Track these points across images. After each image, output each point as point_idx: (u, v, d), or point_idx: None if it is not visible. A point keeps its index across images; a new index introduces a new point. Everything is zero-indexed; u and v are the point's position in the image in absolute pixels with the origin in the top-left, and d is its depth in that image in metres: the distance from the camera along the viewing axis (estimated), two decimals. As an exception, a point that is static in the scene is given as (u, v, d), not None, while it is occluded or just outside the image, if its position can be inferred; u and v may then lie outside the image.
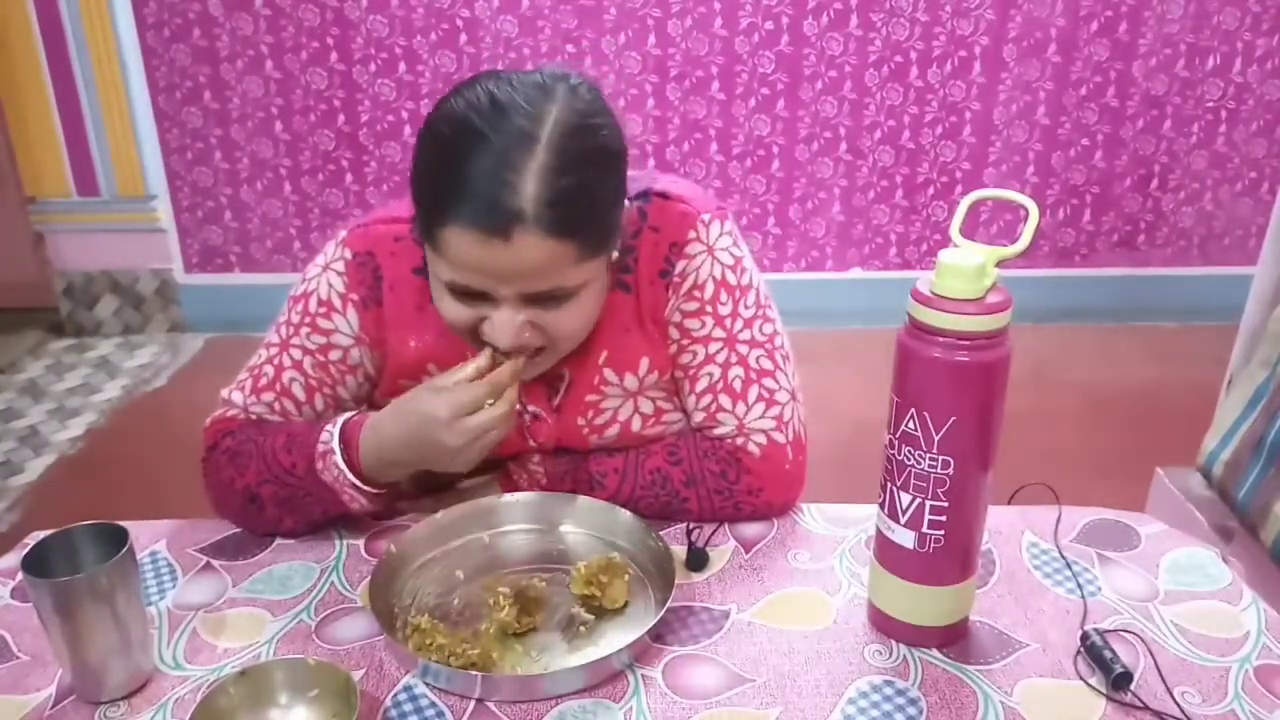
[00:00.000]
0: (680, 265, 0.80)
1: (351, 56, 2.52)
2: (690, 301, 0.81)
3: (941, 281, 0.59)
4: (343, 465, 0.74)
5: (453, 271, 0.70)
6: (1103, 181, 2.65)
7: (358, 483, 0.75)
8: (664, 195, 0.81)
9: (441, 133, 0.69)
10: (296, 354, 0.81)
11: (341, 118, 2.58)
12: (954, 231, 0.63)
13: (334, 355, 0.81)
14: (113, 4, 2.44)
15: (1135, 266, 2.73)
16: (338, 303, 0.80)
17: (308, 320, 0.81)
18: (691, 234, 0.80)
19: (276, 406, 0.81)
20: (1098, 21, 2.49)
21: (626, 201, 0.76)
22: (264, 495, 0.77)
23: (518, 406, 0.80)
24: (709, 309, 0.80)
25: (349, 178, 2.64)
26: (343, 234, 0.83)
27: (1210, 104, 2.56)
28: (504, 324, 0.71)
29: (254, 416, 0.81)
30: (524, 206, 0.65)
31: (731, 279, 0.81)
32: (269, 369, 0.81)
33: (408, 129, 2.59)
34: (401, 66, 2.53)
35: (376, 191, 2.64)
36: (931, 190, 2.66)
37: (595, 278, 0.73)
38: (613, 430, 0.83)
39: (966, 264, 0.58)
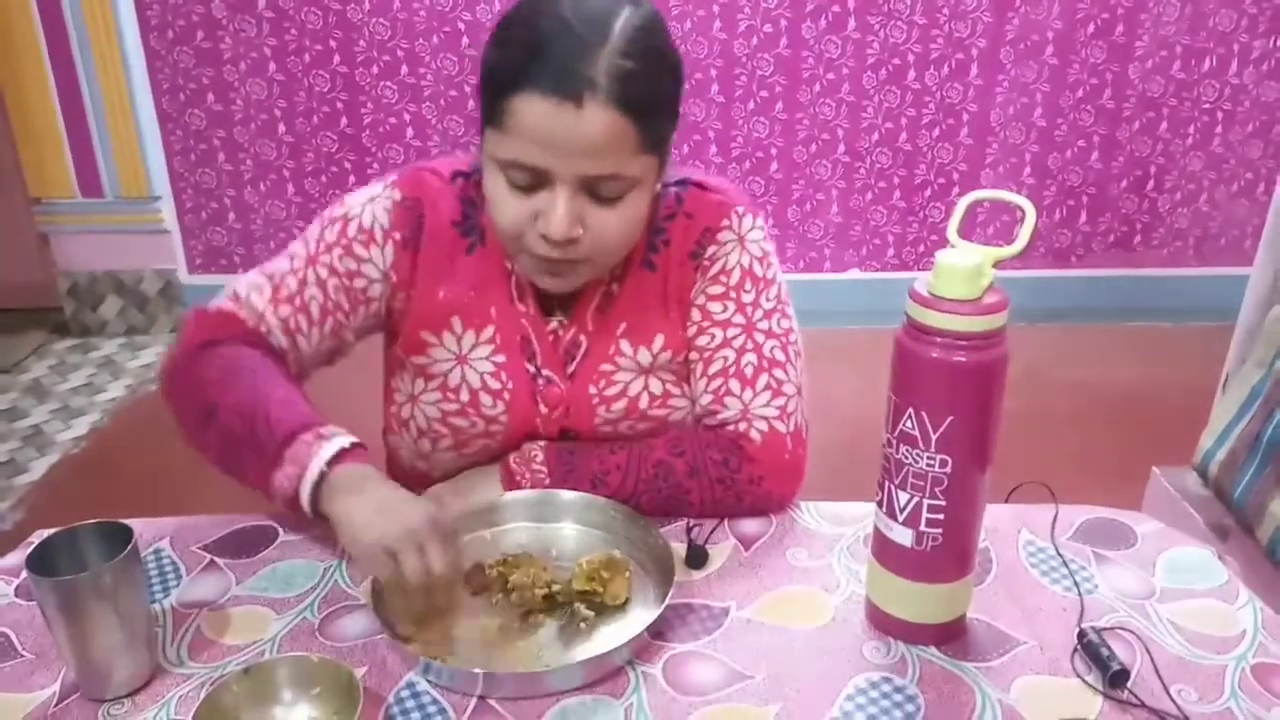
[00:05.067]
0: (711, 250, 0.84)
1: (354, 59, 2.53)
2: (716, 285, 0.83)
3: (939, 282, 0.60)
4: (323, 458, 0.71)
5: (517, 147, 0.71)
6: (1099, 183, 2.66)
7: (311, 484, 0.71)
8: (702, 186, 0.85)
9: (520, 16, 0.72)
10: (323, 272, 0.82)
11: (344, 120, 2.58)
12: (951, 232, 0.64)
13: (358, 283, 0.82)
14: (116, 6, 2.44)
15: (1131, 267, 2.74)
16: (379, 235, 0.82)
17: (343, 243, 0.82)
18: (725, 222, 0.84)
19: (291, 322, 0.81)
20: (1094, 24, 2.49)
21: (668, 187, 0.81)
22: (222, 421, 0.74)
23: (531, 369, 0.83)
24: (732, 295, 0.83)
25: (352, 179, 2.64)
26: (393, 176, 0.85)
27: (1206, 105, 2.57)
28: (560, 210, 0.72)
29: (265, 328, 0.80)
30: (597, 77, 0.69)
31: (758, 270, 0.84)
32: (292, 280, 0.82)
33: (410, 131, 2.60)
34: (404, 69, 2.53)
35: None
36: (929, 191, 2.67)
37: (645, 180, 0.75)
38: (620, 404, 0.84)
39: (964, 265, 0.59)
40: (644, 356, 0.84)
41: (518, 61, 0.70)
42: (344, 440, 0.73)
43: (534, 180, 0.73)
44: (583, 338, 0.83)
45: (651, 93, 0.72)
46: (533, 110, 0.69)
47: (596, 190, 0.73)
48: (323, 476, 0.71)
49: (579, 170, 0.71)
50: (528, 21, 0.71)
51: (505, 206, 0.74)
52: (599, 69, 0.69)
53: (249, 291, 0.82)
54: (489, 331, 0.83)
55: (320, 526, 0.75)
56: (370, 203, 0.83)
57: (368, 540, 0.67)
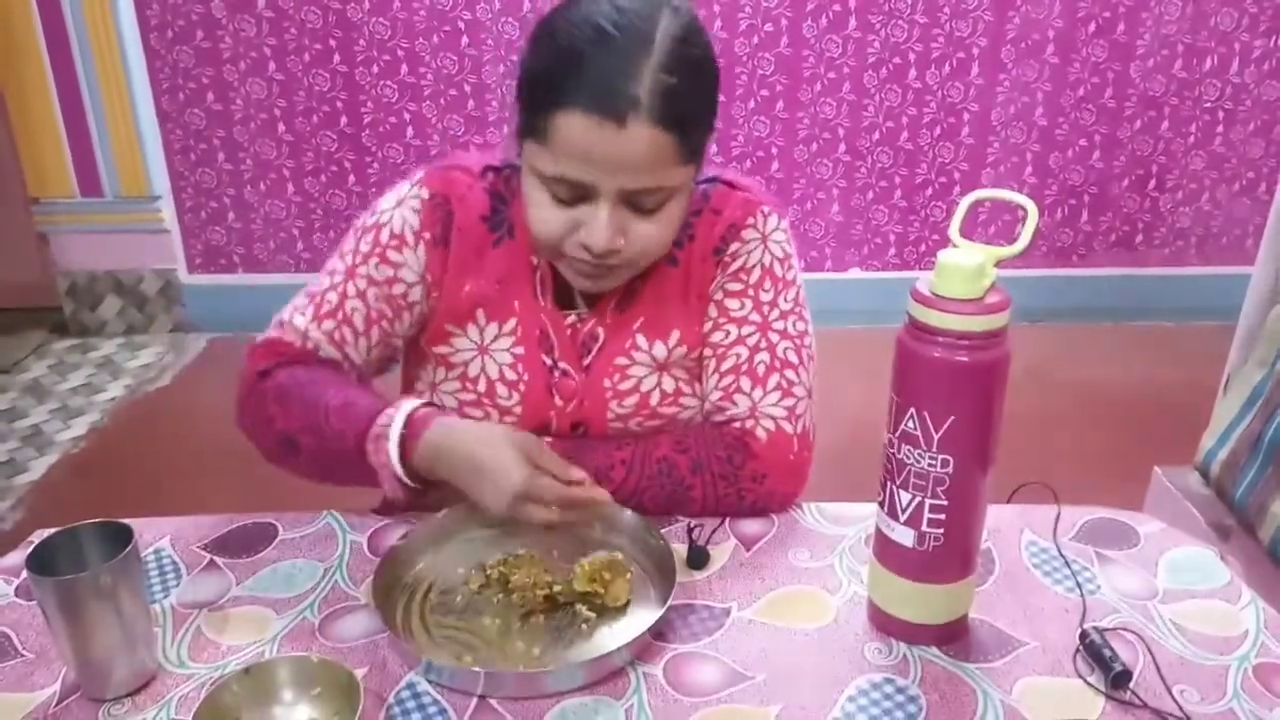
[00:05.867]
0: (734, 246, 0.84)
1: (354, 58, 2.52)
2: (735, 282, 0.84)
3: (941, 282, 0.60)
4: (395, 456, 0.74)
5: (561, 164, 0.72)
6: (1101, 182, 2.66)
7: (402, 474, 0.75)
8: (730, 184, 0.86)
9: (563, 30, 0.72)
10: (362, 283, 0.83)
11: (344, 119, 2.58)
12: (953, 232, 0.64)
13: (398, 289, 0.83)
14: (116, 6, 2.44)
15: (1133, 266, 2.74)
16: (410, 238, 0.83)
17: (378, 251, 0.83)
18: (750, 220, 0.84)
19: (336, 335, 0.82)
20: (1095, 23, 2.49)
21: (697, 184, 0.80)
22: (302, 445, 0.78)
23: (548, 361, 0.84)
24: (751, 292, 0.84)
25: (351, 179, 2.65)
26: (419, 174, 0.85)
27: (1208, 104, 2.57)
28: (602, 223, 0.73)
29: (312, 344, 0.82)
30: (640, 95, 0.69)
31: (778, 270, 0.85)
32: (333, 295, 0.83)
33: (410, 130, 2.60)
34: (404, 68, 2.53)
35: (379, 193, 2.64)
36: (930, 191, 2.67)
37: (684, 188, 0.76)
38: (632, 399, 0.84)
39: (966, 264, 0.59)
40: (660, 351, 0.84)
41: (559, 76, 0.70)
42: (399, 427, 0.75)
43: (576, 194, 0.73)
44: (600, 330, 0.84)
45: (693, 106, 0.73)
46: (575, 128, 0.69)
47: (637, 202, 0.74)
48: (410, 470, 0.75)
49: (621, 185, 0.72)
50: (568, 31, 0.71)
51: (547, 218, 0.75)
52: (642, 86, 0.69)
53: (292, 314, 0.83)
54: (511, 324, 0.84)
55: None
56: (399, 206, 0.84)
57: (498, 508, 0.71)
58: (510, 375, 0.84)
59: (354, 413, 0.77)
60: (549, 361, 0.84)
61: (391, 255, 0.83)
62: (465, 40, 2.50)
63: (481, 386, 0.84)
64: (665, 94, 0.69)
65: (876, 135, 2.60)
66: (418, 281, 0.83)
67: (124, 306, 2.74)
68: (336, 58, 2.52)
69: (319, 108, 2.57)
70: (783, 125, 2.59)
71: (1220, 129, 2.59)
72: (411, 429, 0.75)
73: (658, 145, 0.70)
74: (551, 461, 0.72)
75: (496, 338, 0.84)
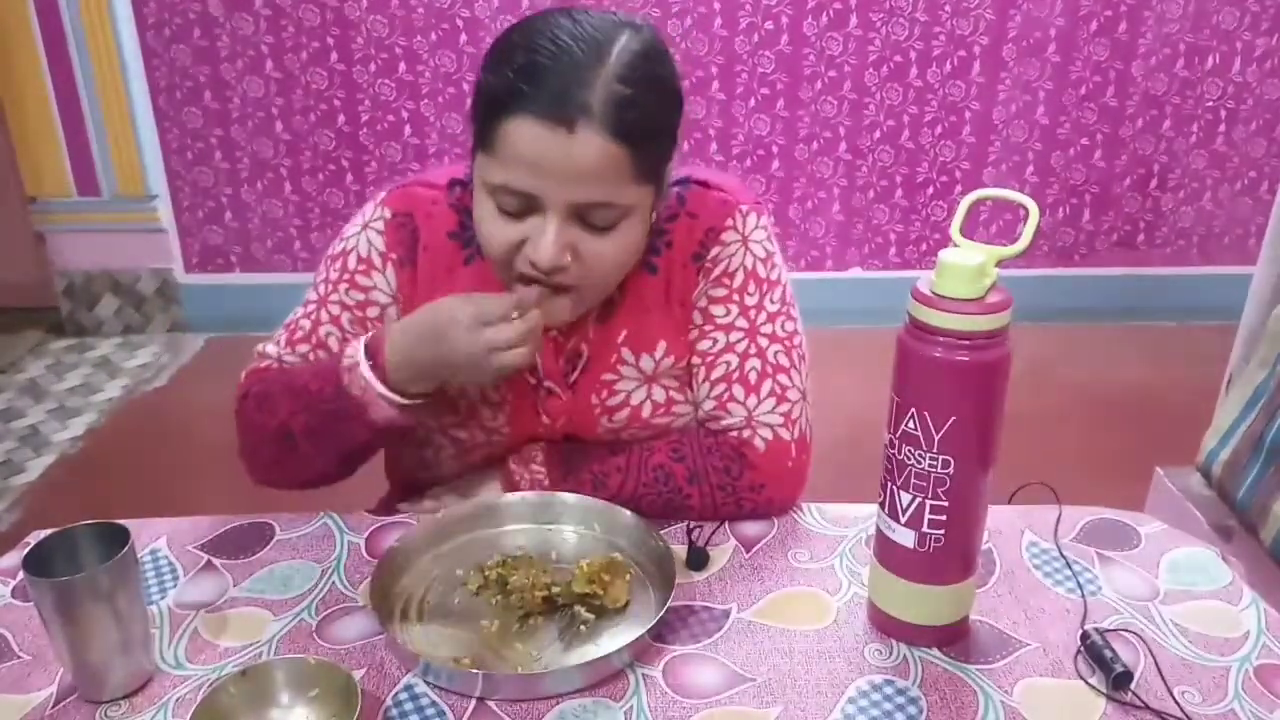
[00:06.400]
0: (714, 251, 0.82)
1: (352, 56, 2.52)
2: (719, 288, 0.82)
3: (942, 281, 0.59)
4: (369, 374, 0.74)
5: (507, 171, 0.70)
6: (1102, 181, 2.65)
7: (385, 390, 0.74)
8: (704, 184, 0.83)
9: (516, 39, 0.71)
10: (334, 309, 0.82)
11: (342, 117, 2.58)
12: (954, 231, 0.63)
13: (371, 312, 0.82)
14: (113, 4, 2.44)
15: (1135, 266, 2.73)
16: (377, 260, 0.82)
17: (346, 277, 0.82)
18: (729, 222, 0.82)
19: (310, 357, 0.82)
20: (1097, 21, 2.49)
21: (670, 186, 0.78)
22: (295, 429, 0.77)
23: (532, 380, 0.82)
24: (736, 298, 0.82)
25: (349, 177, 2.64)
26: (382, 194, 0.84)
27: (1209, 103, 2.57)
28: (548, 237, 0.71)
29: (286, 366, 0.82)
30: (591, 102, 0.68)
31: (762, 271, 0.82)
32: (305, 323, 0.83)
33: (408, 129, 2.59)
34: (402, 66, 2.53)
35: (377, 191, 2.64)
36: (931, 190, 2.67)
37: (638, 209, 0.74)
38: (623, 413, 0.83)
39: (966, 264, 0.58)
40: (647, 364, 0.83)
41: (511, 84, 0.68)
42: (361, 352, 0.75)
43: (524, 206, 0.71)
44: (584, 346, 0.82)
45: (648, 121, 0.70)
46: (524, 134, 0.68)
47: (588, 218, 0.72)
48: (385, 381, 0.74)
49: (569, 197, 0.70)
50: (523, 44, 0.70)
51: (494, 232, 0.73)
52: (594, 94, 0.67)
53: (266, 346, 0.84)
54: None
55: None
56: (363, 230, 0.83)
57: (460, 367, 0.72)
58: (493, 396, 0.83)
59: (324, 369, 0.77)
60: (533, 380, 0.82)
61: (360, 280, 0.82)
62: (464, 38, 2.50)
63: (463, 408, 0.83)
64: (618, 104, 0.68)
65: (877, 134, 2.60)
66: (390, 302, 0.82)
67: (121, 306, 2.74)
68: (334, 56, 2.52)
69: (317, 106, 2.57)
70: (783, 124, 2.59)
71: (1222, 128, 2.58)
72: (373, 349, 0.75)
73: (608, 156, 0.69)
74: (496, 305, 0.73)
75: None
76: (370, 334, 0.77)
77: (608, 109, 0.68)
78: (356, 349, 0.76)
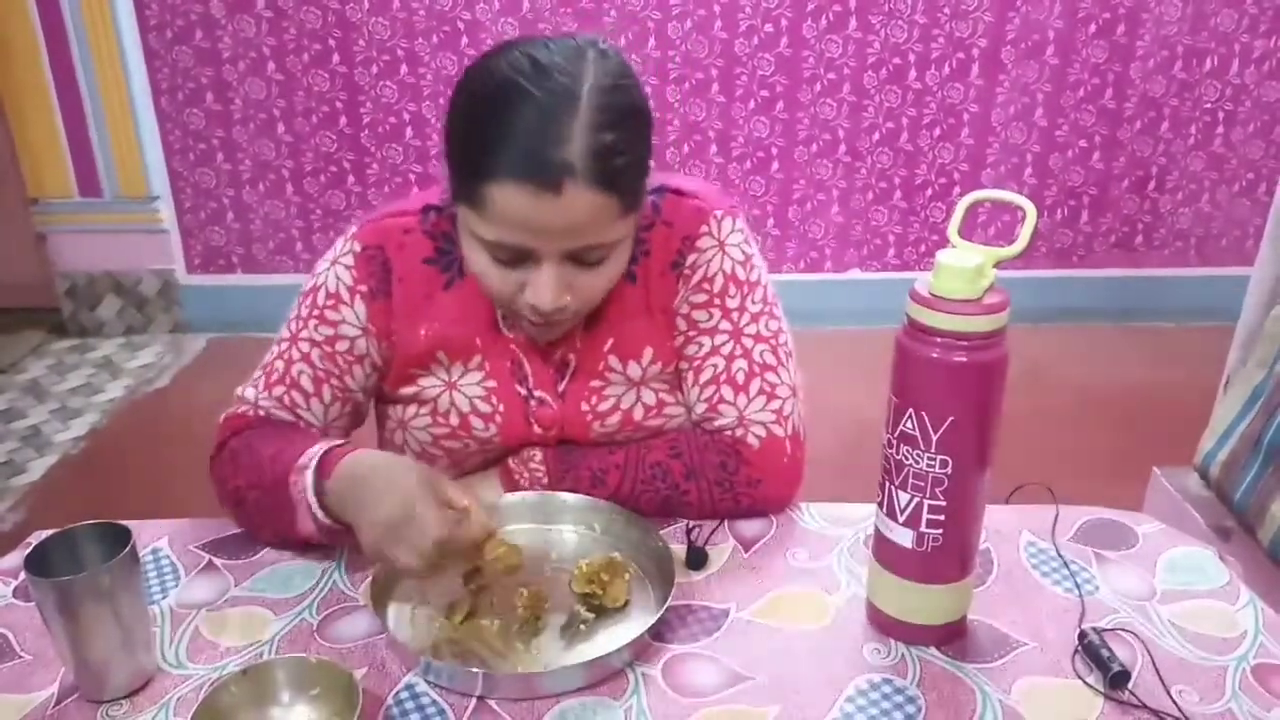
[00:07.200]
0: (692, 258, 0.82)
1: (353, 59, 2.53)
2: (699, 293, 0.83)
3: (940, 282, 0.60)
4: (309, 483, 0.72)
5: (499, 231, 0.70)
6: (1100, 183, 2.66)
7: (314, 503, 0.72)
8: (678, 192, 0.84)
9: (483, 93, 0.69)
10: (305, 346, 0.82)
11: (343, 119, 2.58)
12: (952, 232, 0.64)
13: (341, 346, 0.82)
14: (115, 6, 2.44)
15: (1133, 267, 2.74)
16: (345, 295, 0.82)
17: (315, 313, 0.82)
18: (704, 229, 0.82)
19: (285, 399, 0.82)
20: (1095, 24, 2.49)
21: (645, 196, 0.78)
22: (248, 500, 0.77)
23: (522, 391, 0.82)
24: (717, 302, 0.82)
25: (351, 179, 2.65)
26: (352, 229, 0.84)
27: (1208, 105, 2.57)
28: (547, 284, 0.71)
29: (263, 411, 0.82)
30: (573, 160, 0.67)
31: (741, 274, 0.83)
32: (279, 364, 0.83)
33: (409, 131, 2.60)
34: (403, 69, 2.53)
35: (378, 193, 2.65)
36: (930, 192, 2.67)
37: (627, 236, 0.75)
38: (614, 418, 0.84)
39: (965, 265, 0.59)
40: (634, 370, 0.83)
41: (487, 144, 0.67)
42: (314, 460, 0.73)
43: (518, 256, 0.72)
44: (571, 356, 0.83)
45: (629, 159, 0.70)
46: (511, 200, 0.67)
47: (582, 258, 0.72)
48: (324, 505, 0.72)
49: (562, 246, 0.71)
50: (489, 95, 0.68)
51: (493, 282, 0.74)
52: (574, 149, 0.66)
53: (244, 390, 0.83)
54: (476, 359, 0.83)
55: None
56: (332, 266, 0.82)
57: (378, 543, 0.67)
58: (484, 408, 0.83)
59: (284, 456, 0.75)
60: (524, 391, 0.83)
61: (329, 315, 0.81)
62: (465, 40, 2.50)
63: (454, 420, 0.83)
64: (600, 154, 0.67)
65: (876, 136, 2.61)
66: (360, 335, 0.82)
67: (123, 307, 2.74)
68: (336, 58, 2.52)
69: (318, 108, 2.57)
70: (783, 126, 2.59)
71: (1220, 130, 2.59)
72: (326, 462, 0.72)
73: (597, 207, 0.68)
74: (452, 490, 0.68)
75: (464, 374, 0.83)
76: (333, 444, 0.74)
77: (590, 163, 0.67)
78: (312, 457, 0.73)
